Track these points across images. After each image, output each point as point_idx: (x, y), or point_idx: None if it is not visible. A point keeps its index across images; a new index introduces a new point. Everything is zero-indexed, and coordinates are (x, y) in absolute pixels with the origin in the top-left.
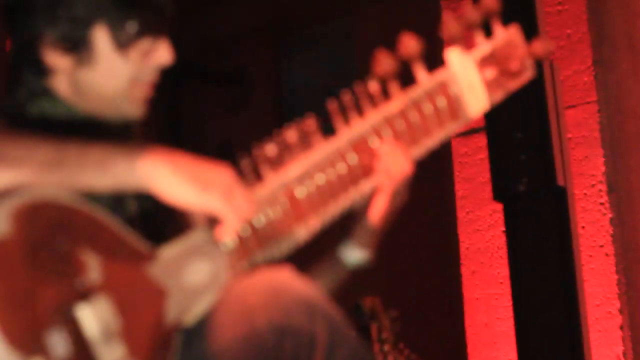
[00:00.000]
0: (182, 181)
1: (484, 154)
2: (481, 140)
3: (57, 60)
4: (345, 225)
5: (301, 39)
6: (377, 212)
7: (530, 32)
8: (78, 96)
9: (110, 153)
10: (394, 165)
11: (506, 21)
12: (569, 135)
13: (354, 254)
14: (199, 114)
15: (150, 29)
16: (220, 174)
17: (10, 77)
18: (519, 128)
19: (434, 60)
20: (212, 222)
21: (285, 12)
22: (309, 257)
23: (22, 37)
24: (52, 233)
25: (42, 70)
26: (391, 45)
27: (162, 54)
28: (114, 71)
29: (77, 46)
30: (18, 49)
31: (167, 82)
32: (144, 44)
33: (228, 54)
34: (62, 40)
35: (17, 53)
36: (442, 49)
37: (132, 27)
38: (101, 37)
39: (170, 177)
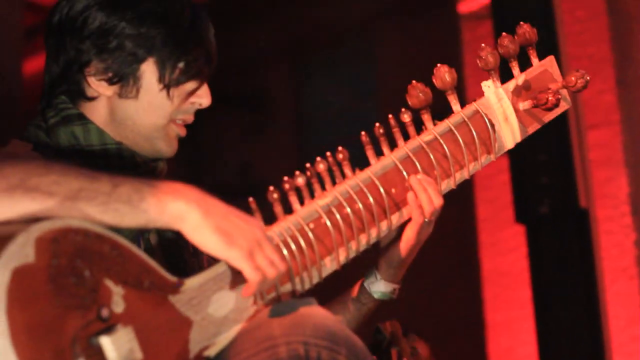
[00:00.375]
0: (211, 230)
1: (506, 176)
2: (503, 162)
3: (100, 88)
4: (373, 257)
5: (321, 61)
6: (404, 245)
7: (552, 53)
8: (113, 125)
9: (141, 190)
10: (425, 198)
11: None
12: (592, 156)
13: (380, 287)
14: (219, 137)
15: (197, 72)
16: (248, 229)
17: (42, 99)
18: (541, 150)
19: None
20: None
21: (304, 35)
22: (337, 286)
23: (69, 61)
24: (77, 260)
25: (82, 95)
26: (412, 67)
27: (203, 96)
28: (155, 107)
29: (123, 78)
30: (61, 71)
31: None
32: (188, 85)
33: (248, 77)
34: (109, 71)
35: (59, 75)
36: (464, 70)
37: (180, 68)
38: (148, 73)
39: (199, 223)
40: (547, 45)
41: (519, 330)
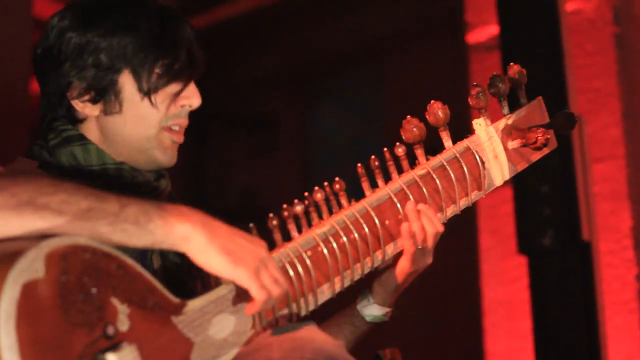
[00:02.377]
0: (216, 251)
1: (509, 207)
2: (507, 193)
3: (86, 109)
4: (364, 280)
5: (328, 86)
6: (400, 273)
7: (559, 86)
8: (107, 143)
9: (148, 211)
10: (418, 227)
11: (535, 73)
12: (596, 189)
13: (373, 310)
14: (224, 160)
15: (175, 74)
16: (253, 249)
17: (41, 124)
18: (545, 181)
19: (463, 108)
20: None
21: (312, 59)
22: (331, 308)
23: (52, 87)
24: (85, 278)
25: (72, 119)
26: (419, 95)
27: (190, 97)
28: (141, 118)
29: (104, 94)
30: (49, 98)
31: (193, 127)
32: (170, 88)
33: (254, 99)
34: (89, 89)
35: (48, 102)
36: (469, 99)
37: (156, 73)
38: (127, 85)
39: (205, 244)
40: (554, 78)
41: None
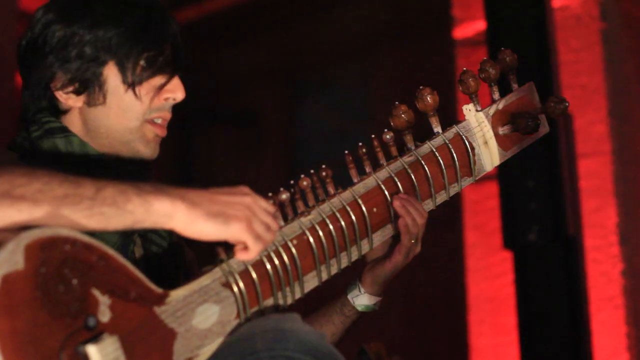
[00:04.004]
0: (203, 219)
1: (494, 202)
2: (492, 188)
3: (69, 100)
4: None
5: (315, 81)
6: (391, 264)
7: (545, 82)
8: (90, 135)
9: (125, 191)
10: (410, 221)
11: (521, 68)
12: (581, 185)
13: (364, 300)
14: (210, 155)
15: (160, 66)
16: (238, 200)
17: (23, 115)
18: (531, 177)
19: (448, 103)
20: (225, 260)
21: (298, 54)
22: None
23: (36, 78)
24: (66, 269)
25: (56, 110)
26: (405, 91)
27: (174, 90)
28: (125, 110)
29: (88, 86)
30: (32, 90)
31: (178, 122)
32: (154, 81)
33: (240, 95)
34: (73, 81)
35: (31, 94)
36: (456, 93)
37: (140, 65)
38: (112, 77)
39: (189, 215)
40: (541, 73)
41: (503, 356)
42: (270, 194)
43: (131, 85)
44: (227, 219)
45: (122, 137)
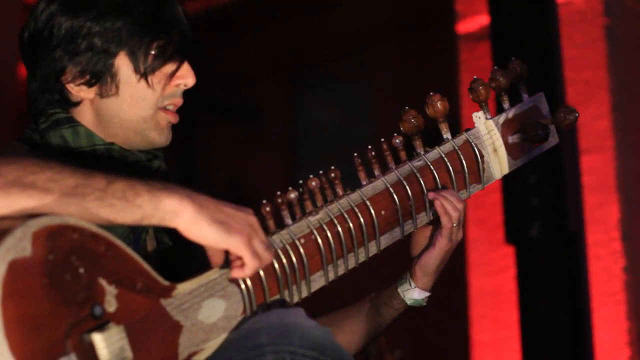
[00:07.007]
0: (207, 222)
1: (497, 197)
2: (495, 183)
3: (81, 92)
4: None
5: (317, 75)
6: (438, 252)
7: (549, 77)
8: (102, 125)
9: (135, 186)
10: (450, 205)
11: (525, 63)
12: (584, 181)
13: (415, 294)
14: (212, 148)
15: (170, 54)
16: (242, 217)
17: (31, 108)
18: (534, 172)
19: (451, 99)
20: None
21: (301, 49)
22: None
23: (45, 73)
24: (73, 257)
25: (66, 103)
26: (408, 85)
27: (185, 76)
28: (138, 99)
29: (100, 77)
30: (40, 84)
31: (179, 116)
32: (166, 68)
33: (243, 88)
34: (84, 73)
35: (40, 87)
36: (460, 90)
37: (151, 55)
38: (123, 67)
39: (195, 217)
40: (544, 69)
41: (504, 351)
42: (278, 193)
43: (143, 74)
44: (229, 229)
45: (136, 126)
